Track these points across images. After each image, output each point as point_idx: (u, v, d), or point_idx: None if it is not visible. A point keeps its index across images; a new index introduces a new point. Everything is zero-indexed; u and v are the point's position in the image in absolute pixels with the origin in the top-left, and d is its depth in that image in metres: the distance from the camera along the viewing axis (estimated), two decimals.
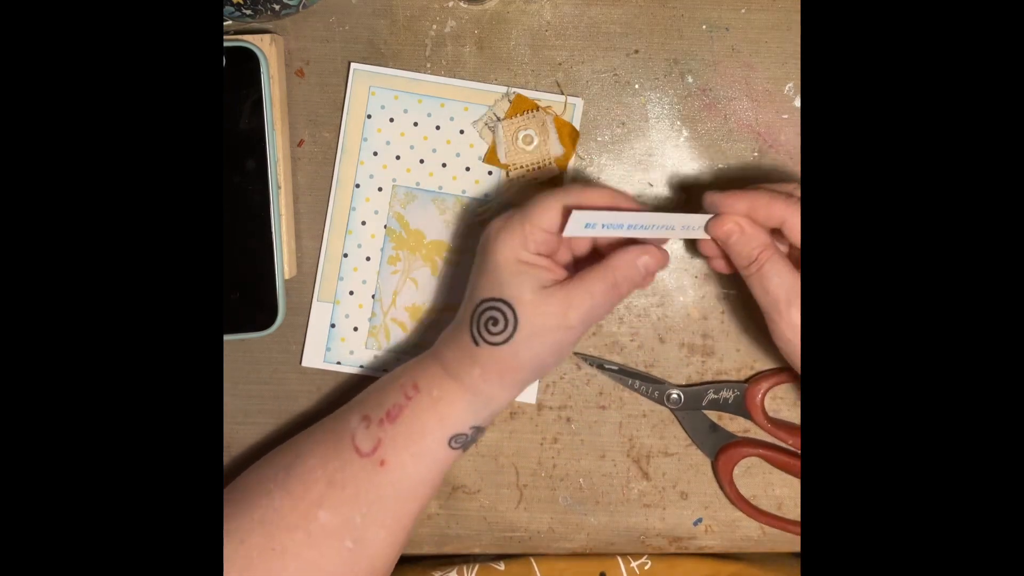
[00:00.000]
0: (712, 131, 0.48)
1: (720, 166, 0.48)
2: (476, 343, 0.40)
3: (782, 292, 0.39)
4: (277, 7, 0.44)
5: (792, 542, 0.49)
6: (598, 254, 0.43)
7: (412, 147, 0.48)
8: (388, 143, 0.48)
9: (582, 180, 0.48)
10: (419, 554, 0.49)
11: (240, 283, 0.46)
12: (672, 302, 0.48)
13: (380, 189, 0.48)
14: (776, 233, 0.41)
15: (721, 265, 0.43)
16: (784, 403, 0.48)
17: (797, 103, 0.48)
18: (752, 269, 0.40)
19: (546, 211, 0.40)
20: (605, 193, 0.41)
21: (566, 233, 0.38)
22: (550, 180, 0.47)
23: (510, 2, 0.48)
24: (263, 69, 0.45)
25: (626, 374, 0.48)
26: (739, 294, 0.48)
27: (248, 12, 0.44)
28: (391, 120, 0.48)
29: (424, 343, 0.48)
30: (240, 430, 0.49)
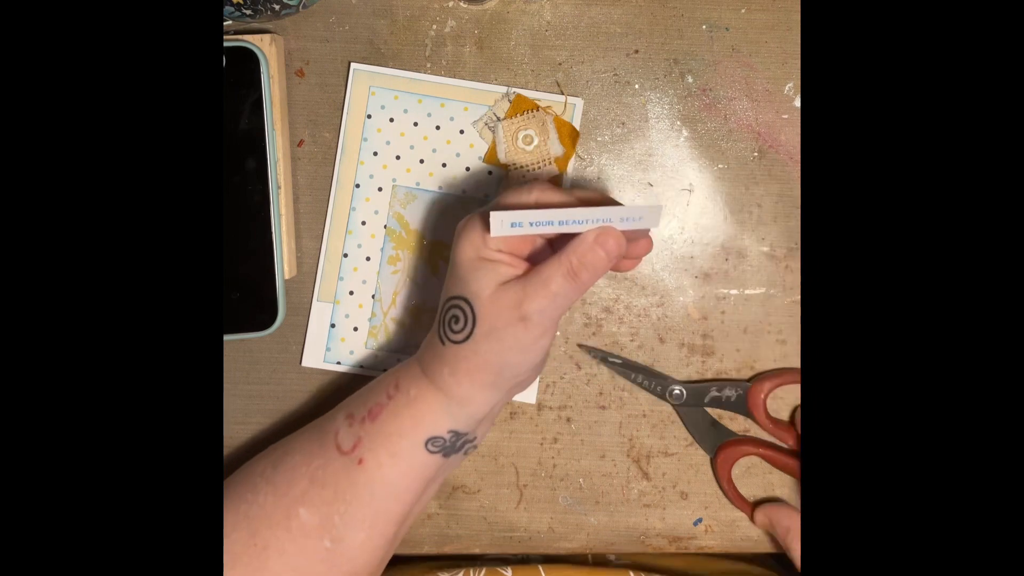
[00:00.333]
0: (712, 131, 0.48)
1: (720, 166, 0.48)
2: (442, 342, 0.40)
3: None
4: (277, 7, 0.44)
5: None
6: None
7: (412, 147, 0.48)
8: (388, 143, 0.48)
9: (580, 183, 0.48)
10: (419, 554, 0.49)
11: (240, 283, 0.46)
12: (672, 302, 0.48)
13: (380, 189, 0.48)
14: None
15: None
16: (785, 403, 0.48)
17: (797, 103, 0.48)
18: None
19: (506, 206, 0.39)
20: (562, 193, 0.39)
21: (492, 233, 0.38)
22: (550, 180, 0.47)
23: (510, 2, 0.48)
24: (263, 69, 0.45)
25: (630, 368, 0.48)
26: (739, 294, 0.48)
27: (248, 12, 0.44)
28: (391, 120, 0.48)
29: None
30: (240, 430, 0.49)
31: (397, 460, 0.40)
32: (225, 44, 0.45)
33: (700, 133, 0.48)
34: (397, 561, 0.49)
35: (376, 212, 0.48)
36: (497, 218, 0.37)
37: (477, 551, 0.49)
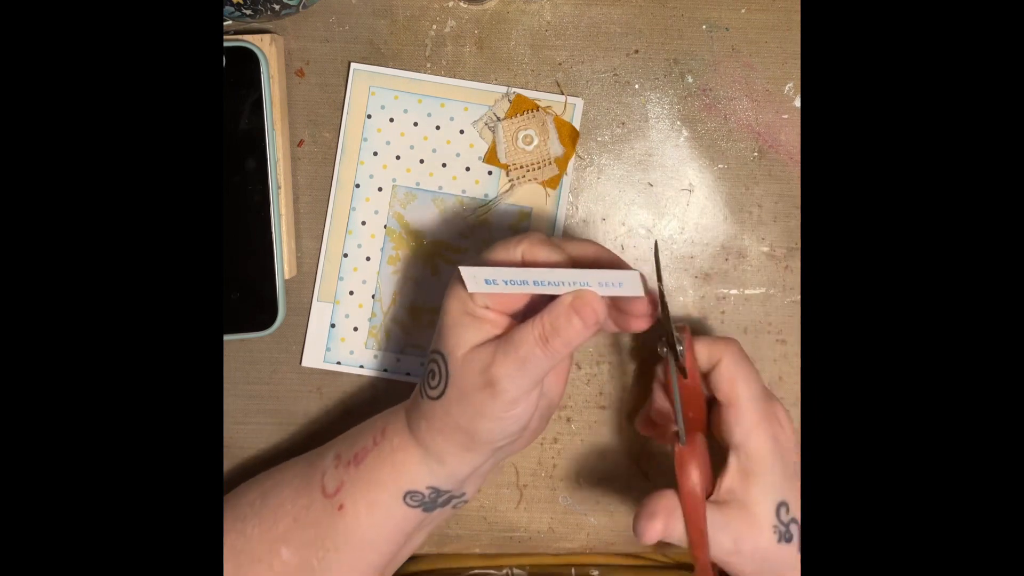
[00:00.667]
0: (712, 131, 0.48)
1: (720, 166, 0.48)
2: (421, 395, 0.38)
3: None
4: (277, 7, 0.44)
5: None
6: None
7: (412, 147, 0.48)
8: (388, 143, 0.48)
9: (580, 183, 0.48)
10: (419, 554, 0.49)
11: (240, 283, 0.46)
12: (672, 302, 0.48)
13: (380, 189, 0.48)
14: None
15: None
16: (786, 403, 0.48)
17: (797, 103, 0.48)
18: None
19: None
20: (550, 249, 0.36)
21: (469, 289, 0.36)
22: (549, 180, 0.47)
23: (510, 2, 0.48)
24: (263, 69, 0.45)
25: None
26: (739, 294, 0.48)
27: (248, 12, 0.44)
28: (391, 120, 0.48)
29: (424, 343, 0.48)
30: (240, 430, 0.49)
31: (374, 511, 0.39)
32: (225, 44, 0.45)
33: (700, 133, 0.48)
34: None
35: (376, 212, 0.48)
36: (469, 273, 0.35)
37: (477, 551, 0.49)
